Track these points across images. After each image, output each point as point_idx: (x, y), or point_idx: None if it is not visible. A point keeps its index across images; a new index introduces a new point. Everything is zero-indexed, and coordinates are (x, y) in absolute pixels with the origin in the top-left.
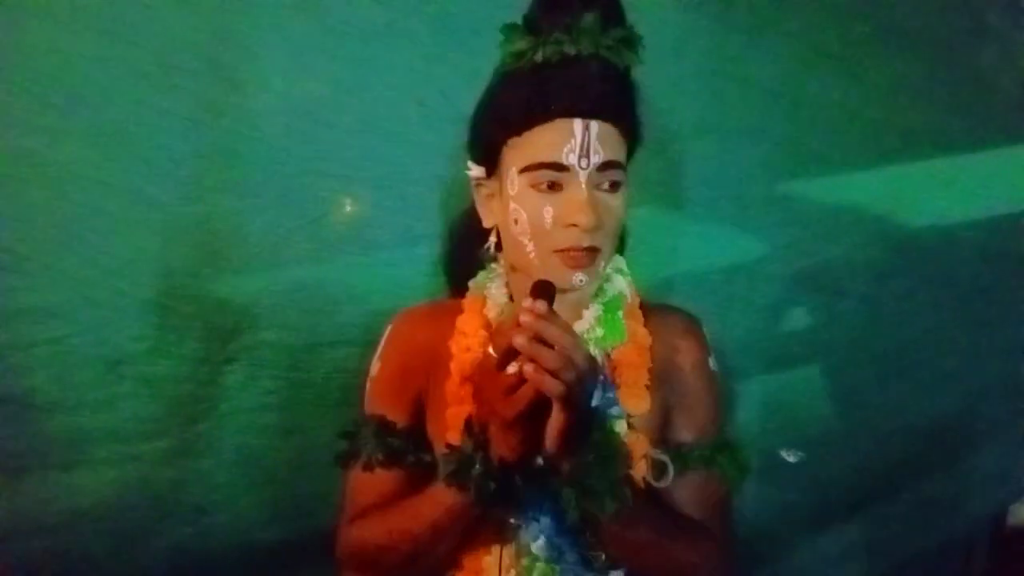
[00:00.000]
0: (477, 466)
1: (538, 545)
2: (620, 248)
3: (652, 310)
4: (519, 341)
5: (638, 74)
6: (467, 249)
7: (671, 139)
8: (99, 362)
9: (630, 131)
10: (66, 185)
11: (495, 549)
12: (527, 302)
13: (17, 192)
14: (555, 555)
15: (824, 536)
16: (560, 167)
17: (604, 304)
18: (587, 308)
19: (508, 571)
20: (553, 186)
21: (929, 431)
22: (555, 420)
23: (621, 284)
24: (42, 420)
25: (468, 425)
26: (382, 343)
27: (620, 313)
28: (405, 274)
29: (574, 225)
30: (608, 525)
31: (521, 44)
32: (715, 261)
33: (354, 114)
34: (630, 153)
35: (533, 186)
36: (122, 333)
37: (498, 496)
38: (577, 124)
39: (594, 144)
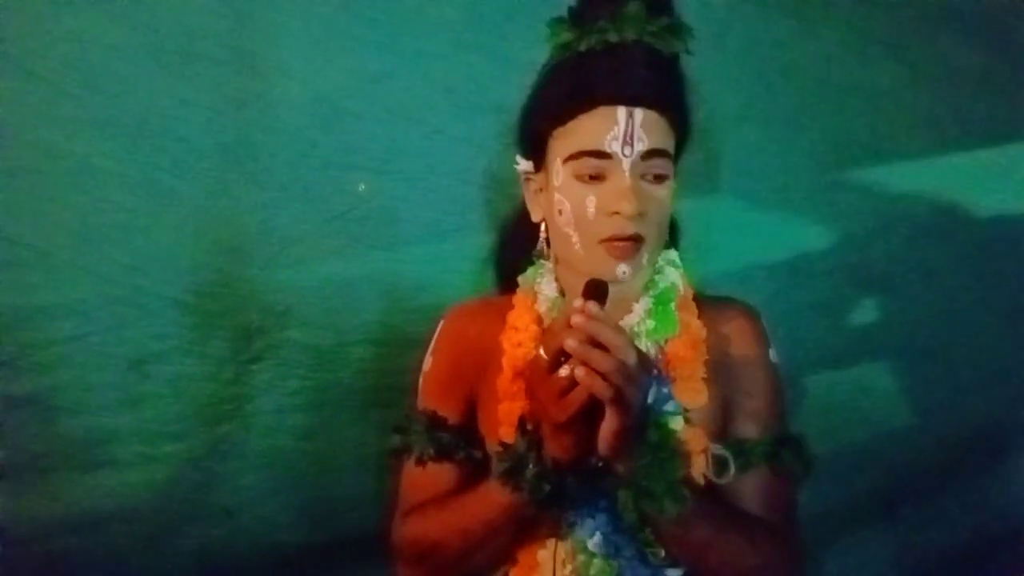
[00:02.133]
0: (531, 467)
1: (594, 542)
2: (672, 242)
3: (708, 302)
4: (571, 344)
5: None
6: (517, 245)
7: (713, 128)
8: (121, 361)
9: (678, 121)
10: (85, 178)
11: (550, 544)
12: (578, 302)
13: (35, 185)
14: (612, 551)
15: (859, 537)
16: (603, 155)
17: (655, 297)
18: (637, 301)
19: (564, 566)
20: (597, 175)
21: (973, 433)
22: (608, 423)
23: (673, 276)
24: (63, 420)
25: (521, 424)
26: (435, 338)
27: (672, 305)
28: (435, 271)
29: (617, 213)
30: (667, 525)
31: (566, 36)
32: (758, 256)
33: (382, 104)
34: (680, 146)
35: (577, 176)
36: (144, 331)
37: (552, 497)
38: (621, 111)
39: (638, 132)
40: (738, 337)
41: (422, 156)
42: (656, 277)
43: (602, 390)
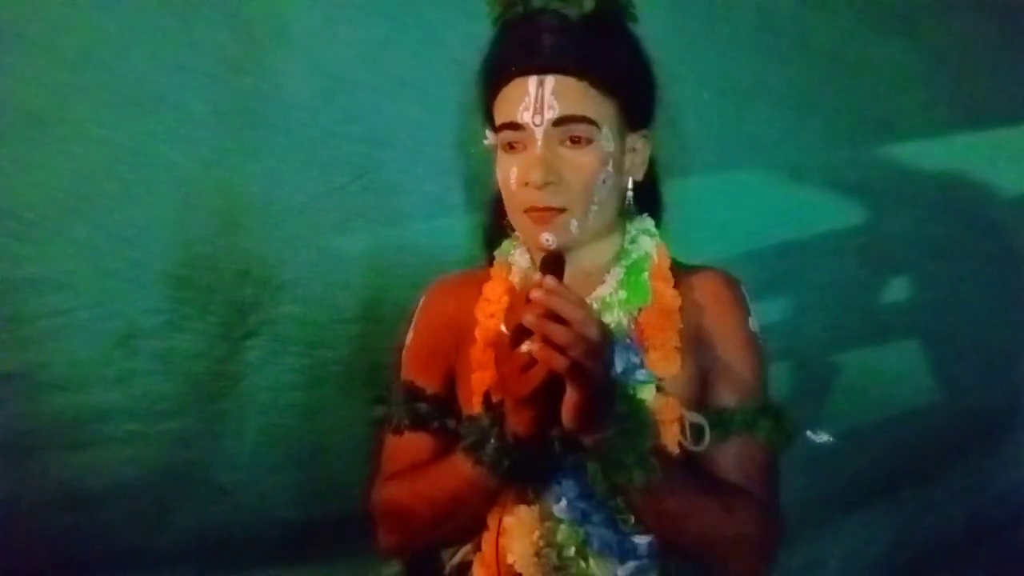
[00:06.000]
0: (492, 441)
1: (560, 508)
2: (656, 214)
3: (686, 271)
4: (528, 319)
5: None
6: (498, 218)
7: (725, 104)
8: (110, 337)
9: (611, 84)
10: (75, 146)
11: (518, 510)
12: (537, 277)
13: (24, 154)
14: (579, 517)
15: (860, 519)
16: (516, 126)
17: (627, 267)
18: (609, 271)
19: (532, 532)
20: (515, 146)
21: (977, 416)
22: (570, 397)
23: (647, 245)
24: (50, 397)
25: (486, 397)
26: (416, 312)
27: (645, 275)
28: (437, 246)
29: (528, 184)
30: (639, 495)
31: (493, 7)
32: (767, 235)
33: (384, 73)
34: (636, 106)
35: (503, 147)
36: (135, 306)
37: (513, 472)
38: (531, 81)
39: (548, 99)
40: (714, 305)
41: (425, 127)
42: (629, 247)
43: (560, 364)
